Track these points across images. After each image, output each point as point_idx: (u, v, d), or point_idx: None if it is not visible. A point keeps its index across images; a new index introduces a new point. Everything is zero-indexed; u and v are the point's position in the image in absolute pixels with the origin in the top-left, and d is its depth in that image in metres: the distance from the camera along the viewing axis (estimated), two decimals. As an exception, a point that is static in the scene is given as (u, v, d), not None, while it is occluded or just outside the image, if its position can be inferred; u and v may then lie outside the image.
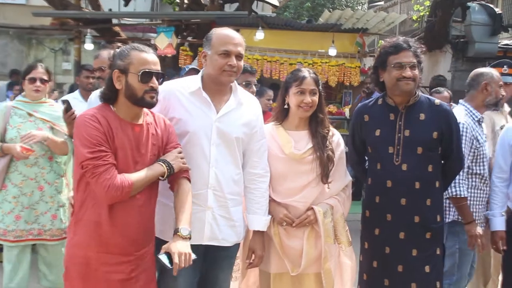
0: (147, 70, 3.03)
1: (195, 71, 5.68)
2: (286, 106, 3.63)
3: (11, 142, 4.60)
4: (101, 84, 4.87)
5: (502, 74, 5.01)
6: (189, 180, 3.23)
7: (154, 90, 3.05)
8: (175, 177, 3.20)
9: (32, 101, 4.76)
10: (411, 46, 3.58)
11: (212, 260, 3.47)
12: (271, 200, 3.58)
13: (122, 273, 3.08)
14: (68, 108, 4.39)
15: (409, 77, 3.52)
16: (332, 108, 11.16)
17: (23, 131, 4.61)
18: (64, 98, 4.46)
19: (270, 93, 7.11)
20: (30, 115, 4.71)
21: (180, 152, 3.19)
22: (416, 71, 3.56)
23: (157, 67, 3.09)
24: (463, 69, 11.22)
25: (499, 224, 4.34)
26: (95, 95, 4.60)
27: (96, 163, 2.90)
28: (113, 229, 3.04)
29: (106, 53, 4.91)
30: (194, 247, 3.21)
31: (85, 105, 4.78)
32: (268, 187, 3.55)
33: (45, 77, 4.82)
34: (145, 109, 3.18)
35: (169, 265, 2.92)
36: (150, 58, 3.08)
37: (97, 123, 2.98)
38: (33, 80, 4.76)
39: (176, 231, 3.04)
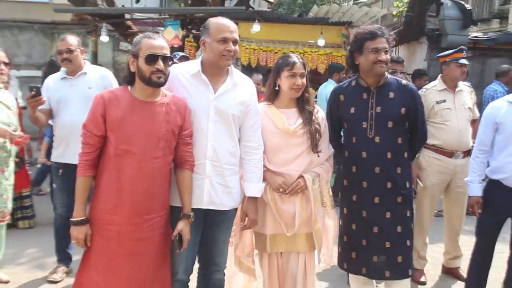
0: (152, 53, 3.06)
1: (185, 58, 5.69)
2: (277, 88, 3.65)
3: None
4: (66, 65, 4.89)
5: (462, 58, 5.13)
6: (192, 170, 3.29)
7: (160, 71, 3.07)
8: (180, 165, 3.25)
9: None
10: (384, 34, 3.59)
11: (211, 223, 3.49)
12: (268, 170, 3.60)
13: (133, 234, 3.11)
14: (36, 94, 4.30)
15: (383, 61, 3.54)
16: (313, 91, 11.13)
17: None
18: (32, 85, 4.38)
19: (258, 77, 7.12)
20: None
21: None
22: (388, 56, 3.58)
23: (163, 51, 3.12)
24: (437, 58, 11.25)
25: (476, 190, 4.36)
26: (52, 78, 4.91)
27: (83, 140, 3.14)
28: (124, 195, 3.07)
29: (71, 37, 4.89)
30: (195, 211, 3.33)
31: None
32: (262, 158, 3.56)
33: (6, 60, 4.71)
34: (164, 91, 3.22)
35: (179, 249, 3.21)
36: (156, 43, 3.11)
37: (100, 105, 3.09)
38: None
39: (187, 216, 3.23)
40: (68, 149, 4.78)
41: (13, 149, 4.81)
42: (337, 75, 8.79)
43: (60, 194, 5.00)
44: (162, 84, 3.12)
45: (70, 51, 4.80)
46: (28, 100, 4.30)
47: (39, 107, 4.59)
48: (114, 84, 4.91)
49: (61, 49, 4.83)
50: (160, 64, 3.07)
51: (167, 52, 3.15)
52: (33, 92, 4.27)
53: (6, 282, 4.96)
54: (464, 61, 5.15)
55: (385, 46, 3.56)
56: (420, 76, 9.32)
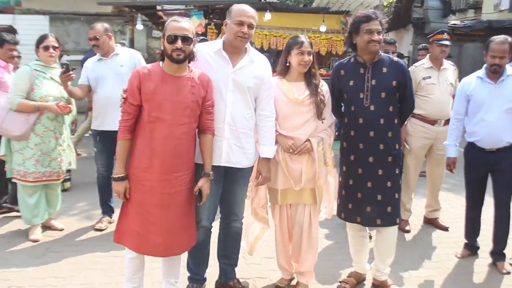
0: (172, 34, 3.03)
1: (204, 41, 5.64)
2: (288, 64, 3.61)
3: (42, 100, 4.52)
4: (96, 50, 4.88)
5: (442, 39, 5.09)
6: (213, 135, 3.27)
7: (178, 49, 3.02)
8: (203, 131, 3.24)
9: (47, 65, 4.62)
10: (378, 17, 3.51)
11: (230, 178, 3.49)
12: (280, 134, 3.57)
13: (164, 188, 3.09)
14: (66, 70, 4.34)
15: (376, 40, 3.47)
16: (322, 71, 11.03)
17: (51, 91, 4.57)
18: (63, 61, 4.40)
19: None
20: (51, 78, 4.62)
21: None
22: (381, 36, 3.51)
23: (184, 32, 3.05)
24: (421, 42, 11.18)
25: (452, 152, 4.50)
26: (91, 61, 4.89)
27: (123, 109, 3.13)
28: (156, 155, 3.06)
29: (99, 25, 4.85)
30: (215, 168, 3.33)
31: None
32: (275, 124, 3.53)
33: (56, 44, 4.68)
34: (192, 67, 3.19)
35: (199, 202, 3.23)
36: (177, 25, 3.06)
37: (136, 79, 3.08)
38: (46, 48, 4.62)
39: (207, 175, 3.23)
40: (105, 119, 4.79)
41: (67, 118, 4.84)
42: None
43: (100, 156, 5.01)
44: (181, 61, 3.06)
45: (96, 38, 4.77)
46: (61, 76, 4.40)
47: (78, 83, 4.77)
48: (142, 62, 4.87)
49: (90, 37, 4.81)
50: (179, 43, 3.01)
51: (188, 33, 3.06)
52: (64, 69, 4.34)
53: (61, 230, 5.02)
54: (444, 41, 5.10)
55: (378, 28, 3.49)
56: (401, 57, 9.23)
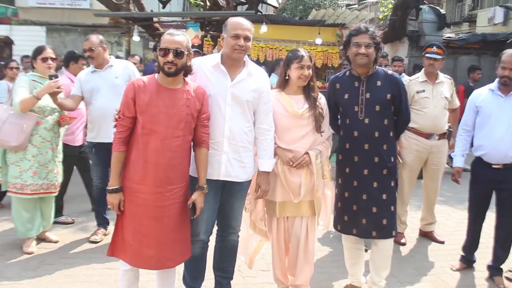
0: (164, 47, 3.06)
1: (198, 53, 5.67)
2: (287, 78, 3.63)
3: (39, 111, 4.52)
4: (91, 62, 4.88)
5: (431, 52, 5.12)
6: (208, 149, 3.27)
7: (170, 62, 3.04)
8: (198, 144, 3.24)
9: (44, 77, 4.59)
10: (368, 30, 3.54)
11: (228, 192, 3.49)
12: (278, 147, 3.59)
13: (157, 201, 3.09)
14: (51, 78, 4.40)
15: (363, 53, 3.50)
16: (318, 83, 10.97)
17: (48, 102, 4.57)
18: (51, 73, 4.45)
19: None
20: None
21: None
22: (371, 50, 3.52)
23: (176, 46, 3.07)
24: (416, 55, 11.28)
25: (458, 162, 4.50)
26: (84, 72, 4.90)
27: (118, 123, 3.14)
28: (149, 167, 3.06)
29: (94, 37, 4.86)
30: (213, 182, 3.33)
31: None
32: (274, 138, 3.54)
33: (54, 56, 4.68)
34: (188, 80, 3.21)
35: (192, 216, 3.24)
36: (170, 39, 3.09)
37: (131, 91, 3.09)
38: (45, 59, 4.62)
39: (201, 188, 3.22)
40: (101, 130, 4.78)
41: (62, 131, 4.84)
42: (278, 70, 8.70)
43: (95, 168, 5.02)
44: (173, 74, 3.08)
45: (91, 50, 4.77)
46: (49, 87, 4.41)
47: (72, 93, 4.79)
48: (136, 73, 4.89)
49: (85, 48, 4.81)
50: (170, 56, 3.03)
51: (180, 47, 3.08)
52: (52, 80, 4.36)
53: (56, 242, 5.00)
54: (432, 55, 5.11)
55: (366, 41, 3.51)
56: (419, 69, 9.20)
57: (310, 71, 3.55)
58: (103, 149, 4.54)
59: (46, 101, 4.54)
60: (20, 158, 4.53)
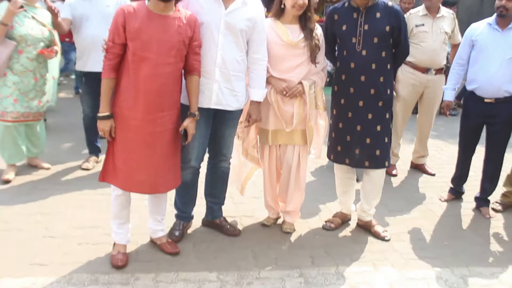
0: None
1: None
2: (282, 6, 3.60)
3: (20, 39, 4.44)
4: None
5: None
6: (199, 76, 3.29)
7: None
8: (189, 72, 3.25)
9: (29, 5, 4.52)
10: None
11: (219, 120, 3.54)
12: (272, 76, 3.62)
13: (148, 127, 3.13)
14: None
15: None
16: (316, 17, 10.73)
17: (31, 31, 4.50)
18: None
19: None
20: (33, 17, 4.53)
21: None
22: None
23: None
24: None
25: (449, 95, 4.62)
26: None
27: (107, 50, 3.11)
28: (140, 94, 3.08)
29: None
30: (205, 110, 3.39)
31: None
32: (266, 68, 3.57)
33: None
34: (179, 8, 3.18)
35: (184, 142, 3.31)
36: None
37: (121, 17, 3.05)
38: None
39: (192, 115, 3.27)
40: (90, 59, 4.79)
41: (51, 62, 4.82)
42: None
43: (85, 97, 5.06)
44: None
45: None
46: (49, 9, 4.49)
47: (61, 17, 4.68)
48: (128, 2, 4.81)
49: None
50: None
51: None
52: (10, 2, 4.29)
53: (48, 169, 5.09)
54: None
55: None
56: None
57: (306, 0, 3.52)
58: (94, 79, 4.54)
59: (29, 30, 4.49)
60: (0, 84, 4.52)
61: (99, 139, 5.18)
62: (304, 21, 3.62)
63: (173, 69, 3.14)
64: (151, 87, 3.07)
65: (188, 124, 3.26)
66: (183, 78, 3.30)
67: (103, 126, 3.13)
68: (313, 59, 3.62)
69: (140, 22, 3.04)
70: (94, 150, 5.29)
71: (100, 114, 3.13)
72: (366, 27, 3.57)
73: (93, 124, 4.80)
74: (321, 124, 3.83)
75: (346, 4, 3.70)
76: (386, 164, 3.79)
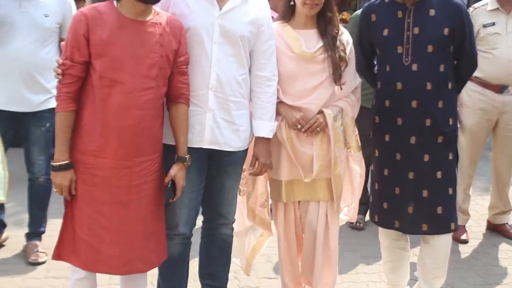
0: None
1: None
2: (292, 3, 3.16)
3: None
4: None
5: None
6: (188, 105, 2.93)
7: None
8: (174, 99, 2.89)
9: None
10: None
11: (216, 166, 3.09)
12: (282, 103, 3.17)
13: (122, 179, 2.72)
14: None
15: None
16: (345, 15, 9.49)
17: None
18: None
19: None
20: None
21: None
22: None
23: None
24: None
25: None
26: None
27: (64, 72, 2.68)
28: (110, 133, 2.70)
29: None
30: (196, 151, 2.98)
31: None
32: (276, 91, 3.13)
33: None
34: (157, 9, 2.83)
35: (172, 198, 2.92)
36: None
37: (82, 24, 2.61)
38: None
39: (182, 159, 2.90)
40: (15, 92, 3.92)
41: None
42: None
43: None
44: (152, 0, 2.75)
45: None
46: None
47: None
48: (74, 11, 4.12)
49: None
50: None
51: None
52: None
53: None
54: None
55: None
56: None
57: None
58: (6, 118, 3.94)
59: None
60: None
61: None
62: (323, 24, 3.14)
63: (154, 96, 2.76)
64: (125, 123, 2.70)
65: (177, 172, 2.87)
66: (165, 109, 2.95)
67: (60, 180, 2.73)
68: (337, 77, 3.12)
69: (108, 31, 2.67)
70: None
71: (55, 164, 2.74)
72: (416, 30, 3.12)
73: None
74: (355, 170, 3.37)
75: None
76: (452, 226, 3.29)
